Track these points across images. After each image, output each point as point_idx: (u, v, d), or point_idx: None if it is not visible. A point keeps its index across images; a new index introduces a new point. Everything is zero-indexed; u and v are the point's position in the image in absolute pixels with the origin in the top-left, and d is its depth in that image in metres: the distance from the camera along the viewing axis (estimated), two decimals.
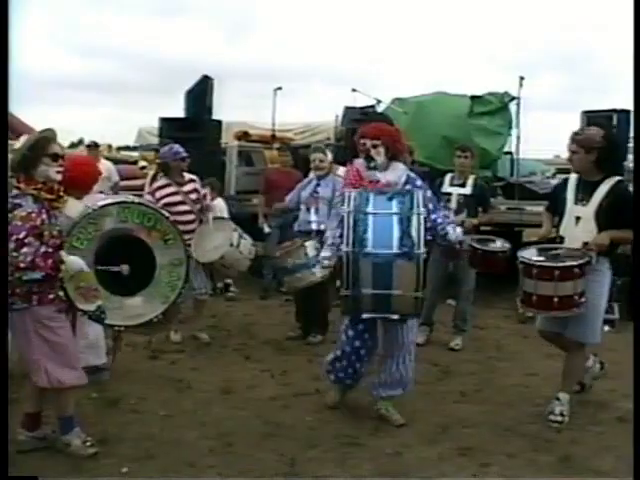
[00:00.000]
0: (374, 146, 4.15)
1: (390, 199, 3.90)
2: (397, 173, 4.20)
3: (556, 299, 4.04)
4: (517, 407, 4.61)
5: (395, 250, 3.73)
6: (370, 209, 3.84)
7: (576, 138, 4.20)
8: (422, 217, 3.79)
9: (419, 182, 4.26)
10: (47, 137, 3.56)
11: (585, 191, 4.23)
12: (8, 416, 3.21)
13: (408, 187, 4.12)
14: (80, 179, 4.22)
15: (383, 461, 3.68)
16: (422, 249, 3.70)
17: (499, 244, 5.67)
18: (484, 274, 6.06)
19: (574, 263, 4.07)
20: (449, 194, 6.07)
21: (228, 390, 4.83)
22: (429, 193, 4.24)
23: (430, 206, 4.14)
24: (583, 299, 4.09)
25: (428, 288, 6.21)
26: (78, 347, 4.49)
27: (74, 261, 3.50)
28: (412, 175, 4.29)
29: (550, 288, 4.05)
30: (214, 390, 4.83)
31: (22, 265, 3.31)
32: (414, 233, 3.74)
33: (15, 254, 3.29)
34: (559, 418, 4.27)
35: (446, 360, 5.72)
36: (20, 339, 3.59)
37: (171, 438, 3.97)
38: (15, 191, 3.45)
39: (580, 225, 4.22)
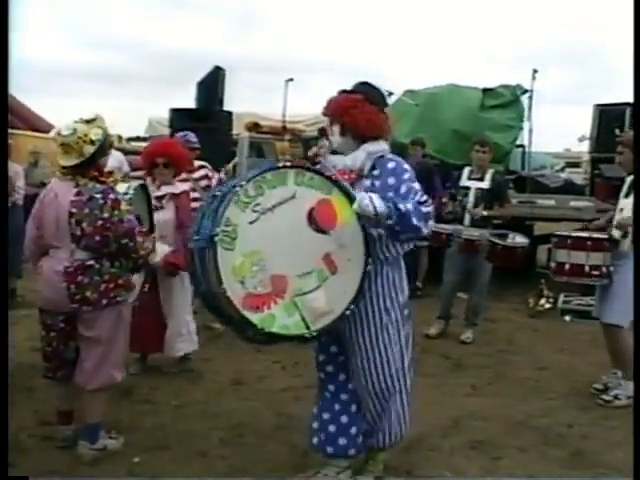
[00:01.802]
0: (330, 124, 3.21)
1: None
2: (357, 156, 3.11)
3: (567, 266, 4.60)
4: (528, 401, 4.60)
5: (197, 236, 2.89)
6: (217, 192, 3.01)
7: (620, 139, 4.52)
8: (239, 191, 2.79)
9: (391, 165, 3.11)
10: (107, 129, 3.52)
11: (632, 185, 4.51)
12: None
13: (375, 172, 3.08)
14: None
15: (394, 454, 3.67)
16: (218, 230, 2.73)
17: (516, 239, 5.74)
18: (498, 268, 6.08)
19: (585, 235, 4.61)
20: (467, 188, 6.07)
21: (239, 381, 4.85)
22: (406, 175, 3.07)
23: (402, 190, 3.02)
24: (596, 272, 4.46)
25: (447, 282, 6.26)
26: (176, 337, 4.87)
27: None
28: (388, 156, 3.15)
29: (564, 255, 4.64)
30: (225, 381, 4.85)
31: (145, 252, 3.44)
32: (221, 211, 2.77)
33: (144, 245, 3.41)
34: (608, 398, 4.53)
35: (458, 353, 5.73)
36: (102, 333, 3.44)
37: (183, 428, 3.99)
38: (99, 185, 3.34)
39: (623, 215, 4.50)
